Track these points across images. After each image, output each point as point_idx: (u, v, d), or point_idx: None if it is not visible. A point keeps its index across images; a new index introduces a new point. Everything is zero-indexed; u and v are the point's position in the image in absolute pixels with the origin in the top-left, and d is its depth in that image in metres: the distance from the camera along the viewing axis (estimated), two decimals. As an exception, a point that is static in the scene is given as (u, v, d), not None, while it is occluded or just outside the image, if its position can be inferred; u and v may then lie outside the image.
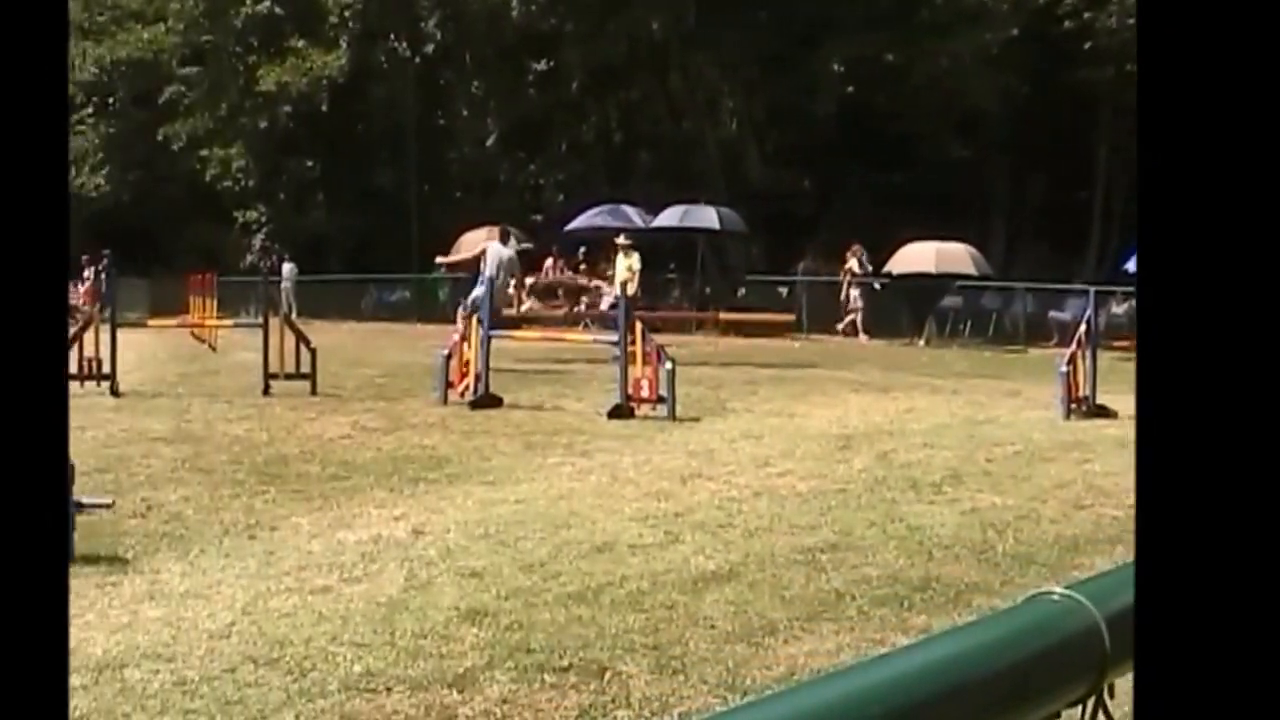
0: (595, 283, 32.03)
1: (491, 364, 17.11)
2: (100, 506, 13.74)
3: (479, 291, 19.69)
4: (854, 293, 34.31)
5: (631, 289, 27.61)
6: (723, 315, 32.92)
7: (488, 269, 20.99)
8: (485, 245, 21.13)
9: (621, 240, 29.43)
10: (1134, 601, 1.14)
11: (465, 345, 17.46)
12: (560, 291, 32.30)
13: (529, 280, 20.48)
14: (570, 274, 34.18)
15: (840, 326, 34.03)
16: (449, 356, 17.33)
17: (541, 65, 45.64)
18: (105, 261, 45.60)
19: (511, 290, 19.78)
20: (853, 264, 34.56)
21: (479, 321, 17.04)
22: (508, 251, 21.23)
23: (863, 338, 32.92)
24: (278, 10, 45.87)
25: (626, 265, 28.19)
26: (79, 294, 44.37)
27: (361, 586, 7.73)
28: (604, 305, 34.15)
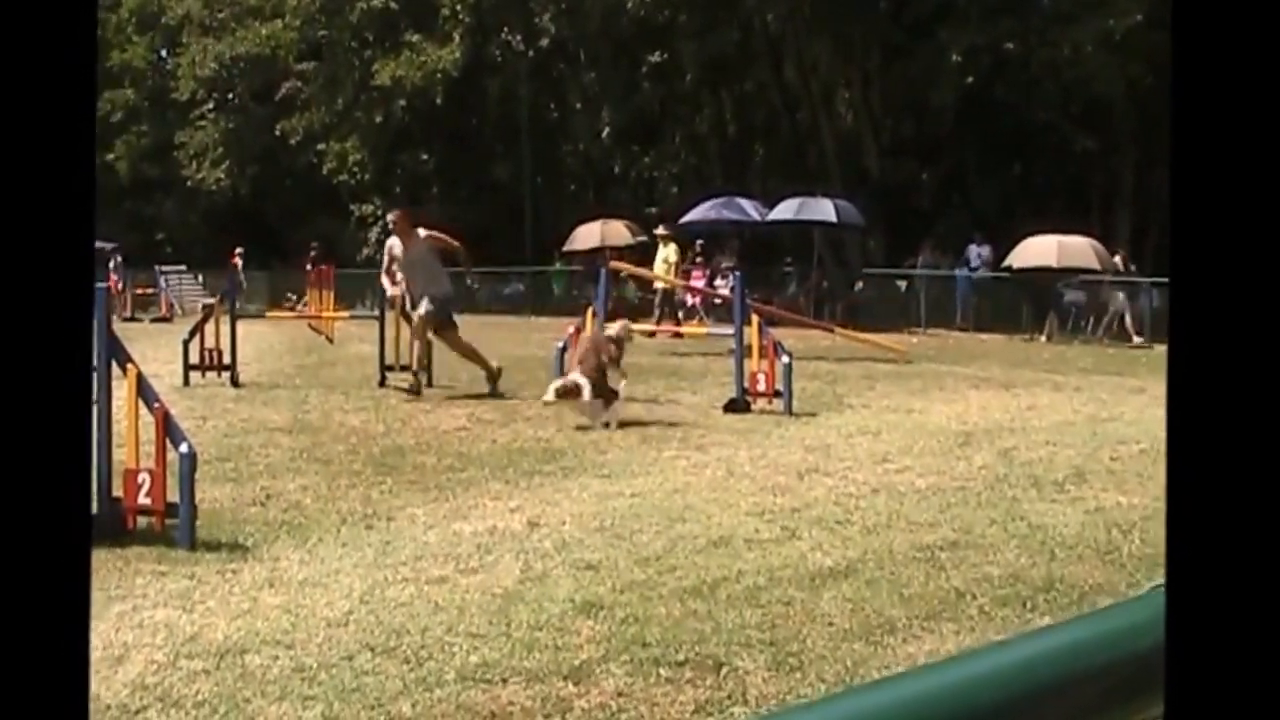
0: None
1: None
2: None
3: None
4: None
5: (663, 284, 27.03)
6: (839, 332, 32.11)
7: None
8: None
9: (660, 231, 28.58)
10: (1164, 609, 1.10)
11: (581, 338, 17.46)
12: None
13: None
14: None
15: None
16: (564, 349, 17.33)
17: (655, 58, 45.69)
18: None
19: None
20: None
21: (594, 315, 17.00)
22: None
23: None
24: (393, 5, 46.29)
25: (663, 258, 27.32)
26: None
27: (477, 577, 7.72)
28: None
